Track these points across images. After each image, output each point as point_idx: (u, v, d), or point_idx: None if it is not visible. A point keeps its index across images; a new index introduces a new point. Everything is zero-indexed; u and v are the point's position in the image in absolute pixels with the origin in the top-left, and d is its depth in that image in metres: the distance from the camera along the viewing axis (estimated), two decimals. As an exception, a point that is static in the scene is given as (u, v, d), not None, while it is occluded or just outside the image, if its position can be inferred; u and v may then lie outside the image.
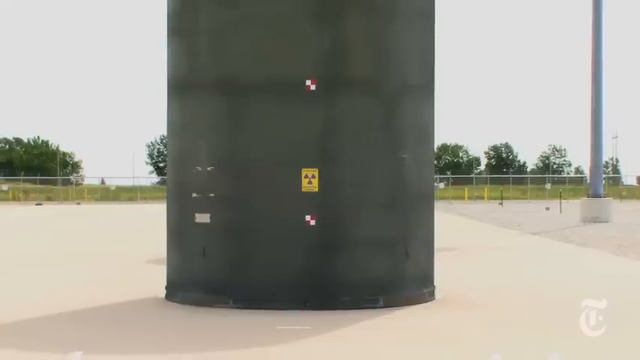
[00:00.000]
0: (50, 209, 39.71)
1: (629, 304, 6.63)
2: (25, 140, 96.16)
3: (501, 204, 44.17)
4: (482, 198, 57.39)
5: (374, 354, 4.67)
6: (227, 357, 4.54)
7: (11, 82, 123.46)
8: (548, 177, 73.73)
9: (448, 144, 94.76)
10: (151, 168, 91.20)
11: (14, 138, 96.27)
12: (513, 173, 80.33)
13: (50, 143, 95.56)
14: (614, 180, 73.22)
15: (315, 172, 5.97)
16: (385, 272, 6.18)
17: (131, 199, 61.07)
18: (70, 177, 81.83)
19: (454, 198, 56.72)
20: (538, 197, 59.07)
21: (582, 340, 5.03)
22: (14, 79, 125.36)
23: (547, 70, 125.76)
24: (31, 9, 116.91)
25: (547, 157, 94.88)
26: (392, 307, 6.02)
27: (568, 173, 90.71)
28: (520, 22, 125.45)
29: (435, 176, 7.07)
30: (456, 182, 69.91)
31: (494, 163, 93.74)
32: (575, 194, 48.51)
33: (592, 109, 25.39)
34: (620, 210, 27.27)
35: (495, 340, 5.06)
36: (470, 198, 58.05)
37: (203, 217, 6.16)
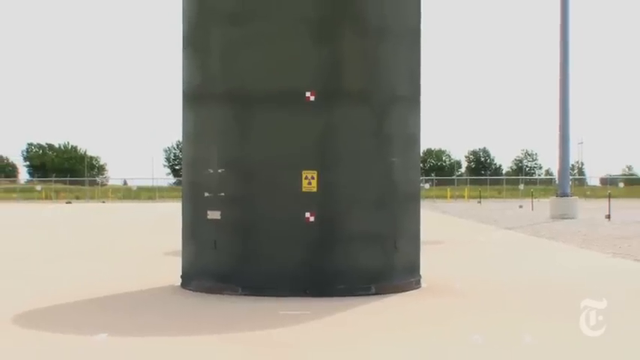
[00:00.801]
0: (78, 207, 39.60)
1: (596, 290, 6.69)
2: (57, 146, 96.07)
3: (480, 202, 44.17)
4: (463, 197, 57.31)
5: (367, 335, 4.70)
6: (235, 338, 4.57)
7: (45, 94, 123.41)
8: (522, 178, 73.81)
9: (432, 149, 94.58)
10: (168, 170, 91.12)
11: (47, 144, 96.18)
12: (490, 175, 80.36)
13: (79, 148, 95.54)
14: (580, 181, 73.16)
15: (314, 173, 6.00)
16: (376, 263, 6.22)
17: (150, 198, 60.95)
18: (96, 178, 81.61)
19: (438, 197, 56.67)
20: (512, 196, 59.06)
21: (553, 323, 5.07)
22: (48, 91, 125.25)
23: (520, 83, 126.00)
24: (62, 27, 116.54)
25: (520, 161, 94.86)
26: (382, 294, 6.06)
27: (539, 175, 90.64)
28: (493, 40, 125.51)
29: (421, 178, 7.06)
30: (440, 183, 69.86)
31: (473, 166, 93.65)
32: (545, 194, 48.52)
33: (560, 118, 25.51)
34: (584, 208, 27.30)
35: (475, 323, 5.09)
36: (452, 197, 58.02)
37: (214, 214, 6.19)
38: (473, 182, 69.61)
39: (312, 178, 5.99)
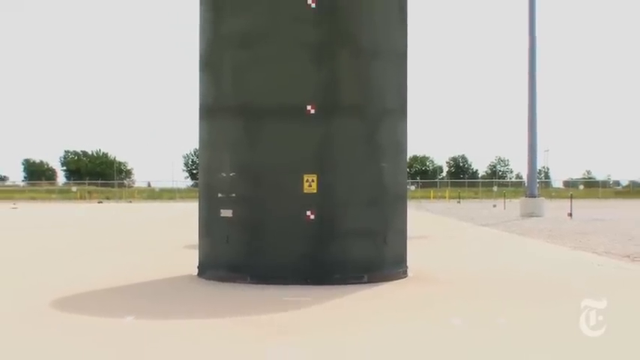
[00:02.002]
0: (109, 206, 39.67)
1: (561, 278, 6.70)
2: (90, 152, 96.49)
3: (459, 202, 44.23)
4: (444, 198, 57.44)
5: (360, 317, 4.70)
6: (245, 320, 4.56)
7: (81, 107, 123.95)
8: (495, 181, 74.00)
9: (418, 155, 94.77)
10: (186, 174, 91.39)
11: (81, 151, 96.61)
12: (468, 178, 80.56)
13: (109, 155, 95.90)
14: (546, 184, 73.37)
15: (314, 177, 5.99)
16: (368, 255, 6.22)
17: (171, 198, 61.12)
18: (124, 181, 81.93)
19: (422, 197, 56.78)
20: (487, 197, 59.22)
21: (525, 307, 5.07)
22: (84, 104, 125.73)
23: (495, 98, 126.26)
24: (100, 52, 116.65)
25: (494, 166, 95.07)
26: (374, 282, 6.05)
27: (510, 178, 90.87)
28: (470, 61, 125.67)
29: (408, 180, 6.99)
30: (424, 185, 70.05)
31: (453, 171, 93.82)
32: (516, 195, 48.62)
33: (528, 129, 25.62)
34: (550, 207, 27.34)
35: (456, 307, 5.09)
36: (435, 198, 58.11)
37: (227, 212, 6.18)
38: (453, 184, 69.82)
39: (312, 181, 5.99)
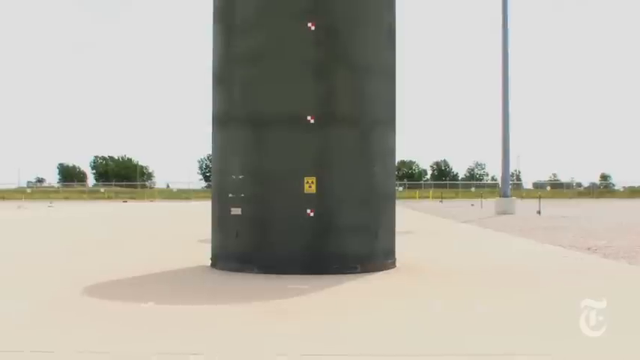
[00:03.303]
0: (132, 205, 39.66)
1: (530, 268, 6.69)
2: (116, 157, 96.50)
3: (441, 202, 44.19)
4: (428, 197, 57.43)
5: (354, 302, 4.70)
6: (252, 306, 4.55)
7: (109, 118, 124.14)
8: (473, 183, 74.10)
9: (405, 160, 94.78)
10: (201, 176, 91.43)
11: (109, 156, 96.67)
12: (449, 180, 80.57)
13: (133, 159, 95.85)
14: (517, 185, 73.53)
15: (314, 179, 5.98)
16: (362, 248, 6.20)
17: (187, 198, 61.10)
18: (146, 182, 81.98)
19: (409, 198, 56.77)
20: (466, 197, 59.24)
21: (500, 293, 5.06)
22: (111, 115, 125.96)
23: (472, 110, 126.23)
24: (128, 68, 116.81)
25: (472, 169, 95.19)
26: (366, 272, 6.04)
27: (486, 180, 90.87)
28: (450, 75, 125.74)
29: (396, 182, 6.97)
30: (410, 187, 70.11)
31: (436, 174, 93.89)
32: (491, 195, 48.64)
33: (502, 136, 25.64)
34: (521, 206, 27.32)
35: (437, 293, 5.09)
36: (420, 198, 58.09)
37: (236, 210, 6.17)
38: (436, 186, 69.91)
39: (312, 182, 5.98)
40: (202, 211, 12.08)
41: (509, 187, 26.78)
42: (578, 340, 3.51)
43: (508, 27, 25.69)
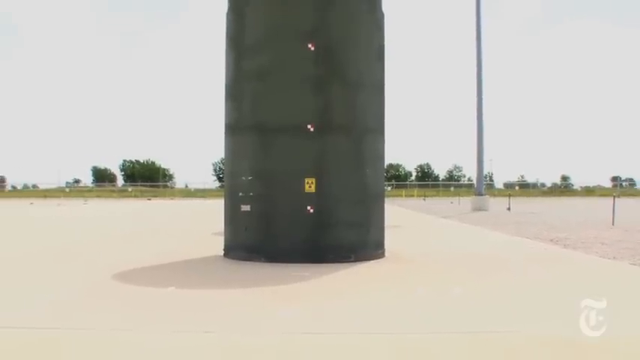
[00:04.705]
0: (156, 202, 39.59)
1: (501, 256, 6.68)
2: (142, 161, 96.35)
3: (424, 200, 44.18)
4: (413, 196, 57.43)
5: (348, 287, 4.69)
6: (259, 290, 4.54)
7: (136, 126, 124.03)
8: (452, 183, 74.06)
9: (392, 163, 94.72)
10: (214, 178, 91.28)
11: (135, 159, 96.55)
12: (431, 181, 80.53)
13: (156, 163, 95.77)
14: (490, 185, 73.60)
15: (313, 180, 5.97)
16: (355, 240, 6.19)
17: (203, 197, 61.03)
18: (167, 183, 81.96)
19: (396, 196, 56.75)
20: (446, 195, 59.24)
21: (477, 278, 5.06)
22: (138, 124, 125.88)
23: (451, 119, 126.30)
24: (152, 83, 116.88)
25: (451, 171, 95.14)
26: (359, 261, 6.03)
27: (464, 181, 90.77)
28: (430, 88, 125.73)
29: (385, 183, 6.94)
30: (397, 187, 70.15)
31: (420, 175, 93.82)
32: (468, 194, 48.69)
33: (477, 143, 25.63)
34: (493, 203, 27.36)
35: (422, 278, 5.07)
36: (406, 196, 58.06)
37: (246, 207, 6.16)
38: (420, 186, 69.95)
39: (312, 183, 5.97)
40: (216, 208, 12.06)
41: (483, 186, 26.81)
42: (541, 315, 3.50)
43: (481, 47, 25.72)
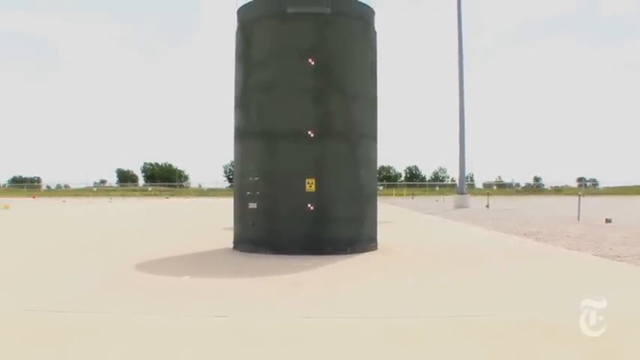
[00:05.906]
0: (173, 200, 39.48)
1: (481, 249, 6.66)
2: (160, 163, 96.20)
3: (413, 198, 44.10)
4: (402, 195, 57.35)
5: (344, 276, 4.67)
6: (265, 279, 4.52)
7: (156, 132, 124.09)
8: (437, 183, 73.96)
9: (384, 165, 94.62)
10: (225, 178, 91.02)
11: (154, 162, 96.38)
12: (419, 181, 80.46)
13: (173, 165, 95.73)
14: (471, 185, 73.35)
15: (313, 180, 5.94)
16: (351, 234, 6.16)
17: (215, 196, 60.87)
18: (183, 183, 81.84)
19: (387, 195, 56.64)
20: (432, 194, 59.14)
21: (460, 269, 5.03)
22: (158, 130, 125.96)
23: (437, 126, 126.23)
24: (169, 92, 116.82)
25: (437, 173, 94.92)
26: (354, 253, 6.01)
27: (447, 181, 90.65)
28: (418, 97, 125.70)
29: (377, 183, 6.94)
30: (388, 186, 70.03)
31: (409, 176, 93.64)
32: (451, 193, 48.54)
33: (459, 147, 25.59)
34: (473, 201, 27.30)
35: (410, 269, 5.05)
36: (396, 195, 57.95)
37: (253, 205, 6.13)
38: (408, 186, 69.88)
39: (312, 183, 5.94)
40: (226, 207, 12.03)
41: (465, 186, 26.78)
42: (516, 301, 3.49)
43: (463, 65, 25.70)
